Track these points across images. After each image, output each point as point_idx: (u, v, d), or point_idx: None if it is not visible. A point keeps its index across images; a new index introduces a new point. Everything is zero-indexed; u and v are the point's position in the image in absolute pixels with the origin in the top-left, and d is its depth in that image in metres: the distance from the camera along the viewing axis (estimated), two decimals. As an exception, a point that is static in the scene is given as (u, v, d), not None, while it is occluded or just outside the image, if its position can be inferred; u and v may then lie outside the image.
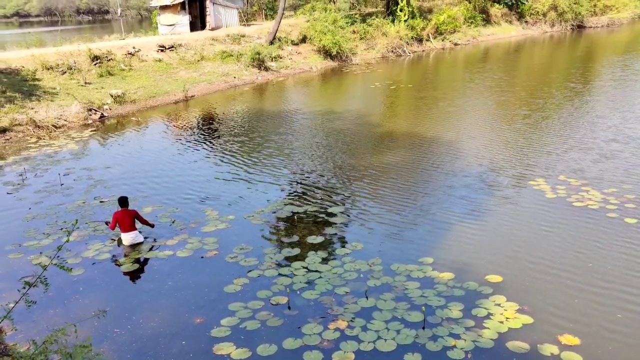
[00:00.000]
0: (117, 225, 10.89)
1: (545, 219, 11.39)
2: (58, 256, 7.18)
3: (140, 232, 11.05)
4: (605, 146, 16.00)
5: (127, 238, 10.82)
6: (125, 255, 10.50)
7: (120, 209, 11.04)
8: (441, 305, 8.41)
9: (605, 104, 21.91)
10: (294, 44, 36.28)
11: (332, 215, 11.96)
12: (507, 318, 8.04)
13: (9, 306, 7.66)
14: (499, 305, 8.37)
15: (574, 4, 52.82)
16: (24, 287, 6.87)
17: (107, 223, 11.28)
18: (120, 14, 65.22)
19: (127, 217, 10.83)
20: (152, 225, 11.34)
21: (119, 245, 10.88)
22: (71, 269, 7.96)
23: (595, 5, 57.15)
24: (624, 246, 10.09)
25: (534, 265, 9.56)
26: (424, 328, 7.88)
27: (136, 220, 10.97)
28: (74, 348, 6.00)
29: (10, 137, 19.10)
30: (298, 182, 14.22)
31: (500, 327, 7.83)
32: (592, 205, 11.88)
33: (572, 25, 54.09)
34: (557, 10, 52.47)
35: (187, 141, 18.83)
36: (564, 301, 8.49)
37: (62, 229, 11.56)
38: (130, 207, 11.38)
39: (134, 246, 10.80)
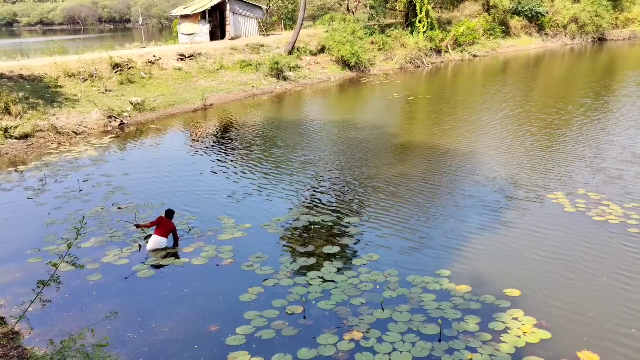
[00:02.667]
0: (154, 226, 11.19)
1: (564, 234, 11.24)
2: (70, 254, 7.29)
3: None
4: (626, 162, 15.78)
5: (156, 241, 10.98)
6: (143, 262, 10.56)
7: (164, 216, 11.37)
8: (458, 318, 8.33)
9: (625, 120, 21.65)
10: (312, 54, 36.43)
11: (349, 225, 11.94)
12: (524, 333, 7.94)
13: (26, 308, 7.76)
14: (516, 319, 8.27)
15: (596, 16, 52.37)
16: (39, 287, 6.98)
17: (137, 226, 11.46)
18: (142, 22, 66.06)
19: (166, 226, 11.14)
20: (177, 243, 11.33)
21: (139, 250, 10.93)
22: (83, 265, 8.04)
23: (617, 19, 56.63)
24: (645, 262, 9.92)
25: (552, 280, 9.44)
26: (440, 341, 7.81)
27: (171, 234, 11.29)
28: (92, 347, 6.07)
29: (32, 143, 19.39)
30: (315, 192, 14.23)
31: (517, 342, 7.73)
32: (612, 220, 11.70)
33: (593, 38, 53.63)
34: (578, 23, 52.07)
35: (205, 150, 18.96)
36: (583, 317, 8.36)
37: (80, 234, 11.64)
38: (156, 217, 11.56)
39: (156, 251, 10.91)
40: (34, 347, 7.82)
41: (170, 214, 11.49)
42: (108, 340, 7.80)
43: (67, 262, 7.19)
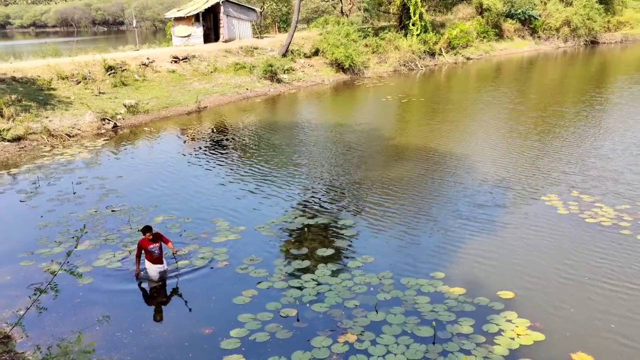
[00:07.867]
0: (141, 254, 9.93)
1: (557, 235, 11.28)
2: (68, 262, 7.26)
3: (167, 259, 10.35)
4: (618, 164, 15.86)
5: (154, 269, 9.89)
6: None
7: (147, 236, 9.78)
8: (452, 321, 8.34)
9: (618, 123, 21.77)
10: (306, 56, 36.44)
11: (343, 227, 11.93)
12: (518, 334, 7.95)
13: (20, 313, 7.71)
14: (510, 321, 8.29)
15: (588, 19, 52.63)
16: (35, 294, 6.92)
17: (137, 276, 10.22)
18: (135, 25, 65.91)
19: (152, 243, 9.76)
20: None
21: (130, 255, 10.79)
22: (81, 274, 8.05)
23: (609, 22, 56.93)
24: (637, 263, 9.95)
25: (545, 282, 9.47)
26: (434, 343, 7.81)
27: (163, 247, 9.98)
28: (77, 354, 6.05)
29: (25, 146, 19.29)
30: (309, 195, 14.22)
31: (511, 344, 7.75)
32: (604, 222, 11.75)
33: (586, 40, 53.85)
34: (570, 26, 52.29)
35: (198, 152, 18.92)
36: (576, 318, 8.39)
37: (73, 237, 11.61)
38: (146, 222, 11.01)
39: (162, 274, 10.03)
40: (26, 352, 7.77)
41: (144, 231, 9.76)
42: (98, 344, 7.79)
43: (65, 269, 7.15)
